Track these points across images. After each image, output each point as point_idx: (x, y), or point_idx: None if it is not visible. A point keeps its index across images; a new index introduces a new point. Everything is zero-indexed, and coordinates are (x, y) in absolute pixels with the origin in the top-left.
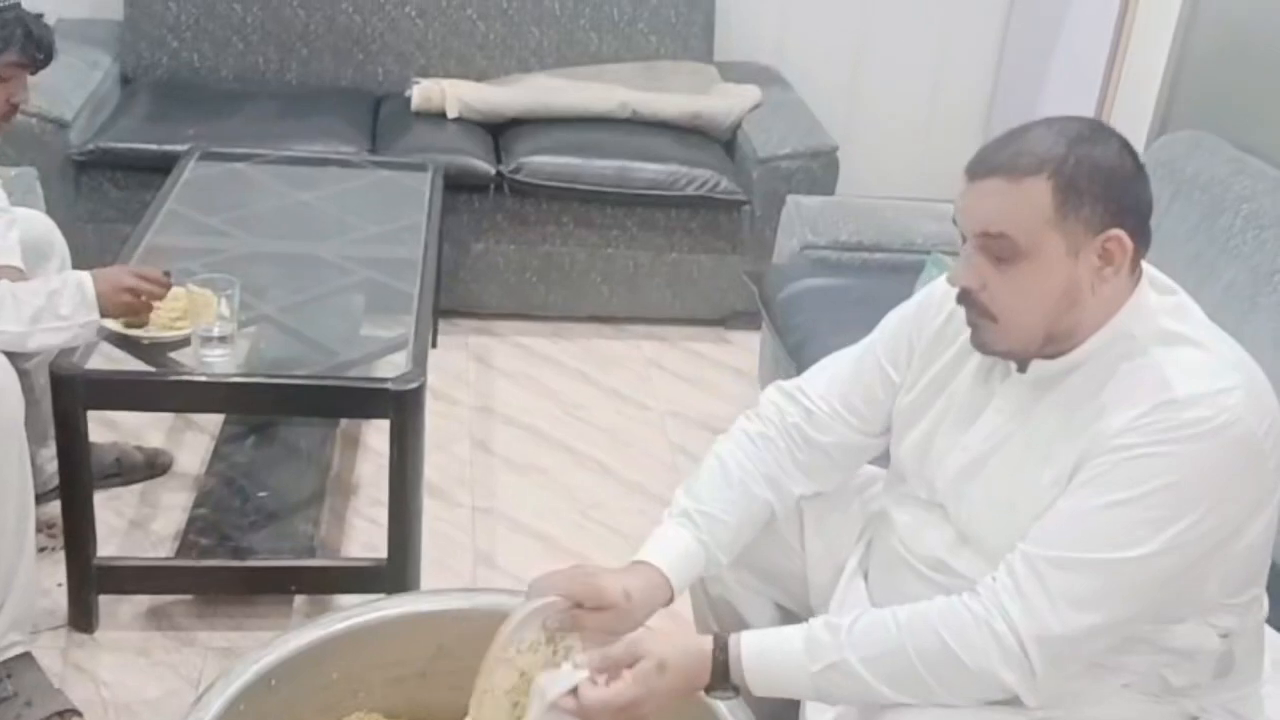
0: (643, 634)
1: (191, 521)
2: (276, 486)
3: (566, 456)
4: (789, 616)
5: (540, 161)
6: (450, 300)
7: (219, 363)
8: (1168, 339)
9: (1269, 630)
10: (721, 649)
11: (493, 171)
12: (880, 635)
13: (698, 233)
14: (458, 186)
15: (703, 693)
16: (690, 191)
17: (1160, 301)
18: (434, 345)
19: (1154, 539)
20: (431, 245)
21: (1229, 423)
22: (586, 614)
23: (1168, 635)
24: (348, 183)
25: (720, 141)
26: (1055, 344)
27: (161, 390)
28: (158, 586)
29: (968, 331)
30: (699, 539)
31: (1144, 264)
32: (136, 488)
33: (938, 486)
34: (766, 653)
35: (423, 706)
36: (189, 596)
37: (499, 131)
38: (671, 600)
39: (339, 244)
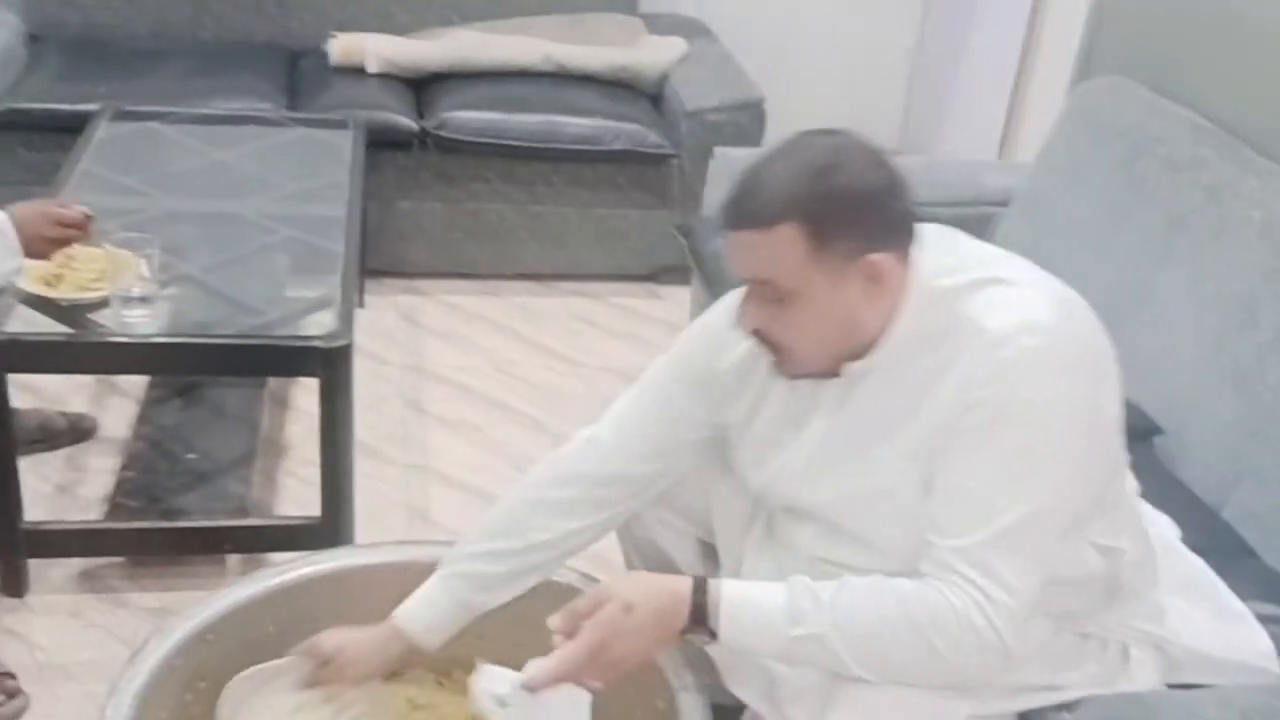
0: (608, 580)
1: (120, 484)
2: (205, 448)
3: (499, 413)
4: (711, 551)
5: (464, 117)
6: (377, 260)
7: (140, 324)
8: (965, 290)
9: (1180, 548)
10: (700, 591)
11: (416, 128)
12: (863, 617)
13: (626, 187)
14: (380, 143)
15: (679, 634)
16: (617, 146)
17: (941, 264)
18: (362, 305)
19: (1050, 473)
20: (355, 202)
21: (1048, 336)
22: (323, 671)
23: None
24: (266, 140)
25: (647, 95)
26: (854, 355)
27: (83, 352)
28: (88, 549)
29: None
30: (449, 591)
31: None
32: (62, 453)
33: (787, 493)
34: (747, 605)
35: None
36: (120, 559)
37: (421, 87)
38: (411, 648)
39: (260, 203)
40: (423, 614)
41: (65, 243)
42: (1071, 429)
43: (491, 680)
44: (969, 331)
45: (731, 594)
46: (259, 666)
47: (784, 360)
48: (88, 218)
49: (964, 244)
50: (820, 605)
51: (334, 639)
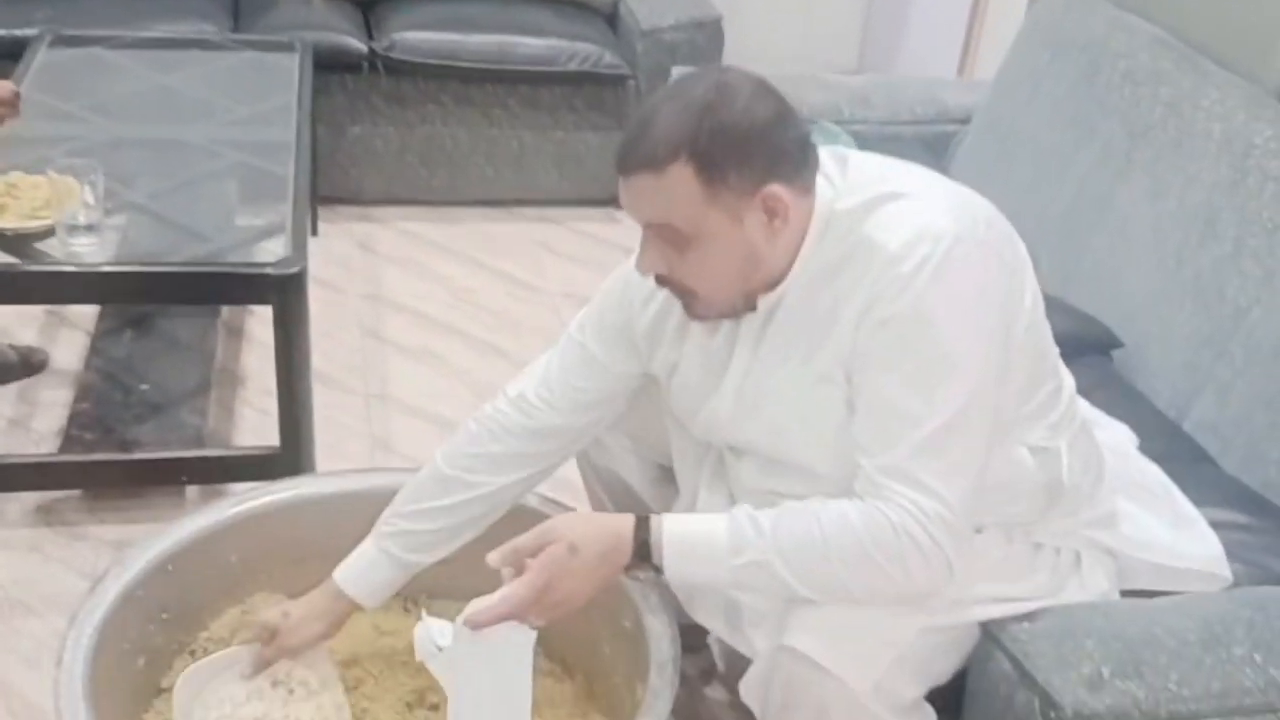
0: (554, 520)
1: (74, 417)
2: (159, 379)
3: (459, 341)
4: (670, 476)
5: (415, 38)
6: (329, 187)
7: (87, 252)
8: (863, 210)
9: (1137, 455)
10: (643, 529)
11: (365, 49)
12: (805, 539)
13: (582, 109)
14: (329, 66)
15: (622, 574)
16: (573, 67)
17: (836, 187)
18: (315, 233)
19: (963, 381)
20: (304, 126)
21: (950, 246)
22: (270, 648)
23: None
24: (211, 64)
25: (602, 14)
26: (762, 289)
27: (30, 282)
28: (44, 482)
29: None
30: (385, 552)
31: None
32: (13, 387)
33: (723, 432)
34: (689, 538)
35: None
36: (77, 492)
37: (369, 7)
38: (355, 607)
39: (206, 128)
40: (363, 576)
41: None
42: (978, 330)
43: (433, 631)
44: (869, 251)
45: (674, 529)
46: (210, 658)
47: (692, 303)
48: (15, 94)
49: (855, 163)
50: (761, 532)
51: (275, 611)
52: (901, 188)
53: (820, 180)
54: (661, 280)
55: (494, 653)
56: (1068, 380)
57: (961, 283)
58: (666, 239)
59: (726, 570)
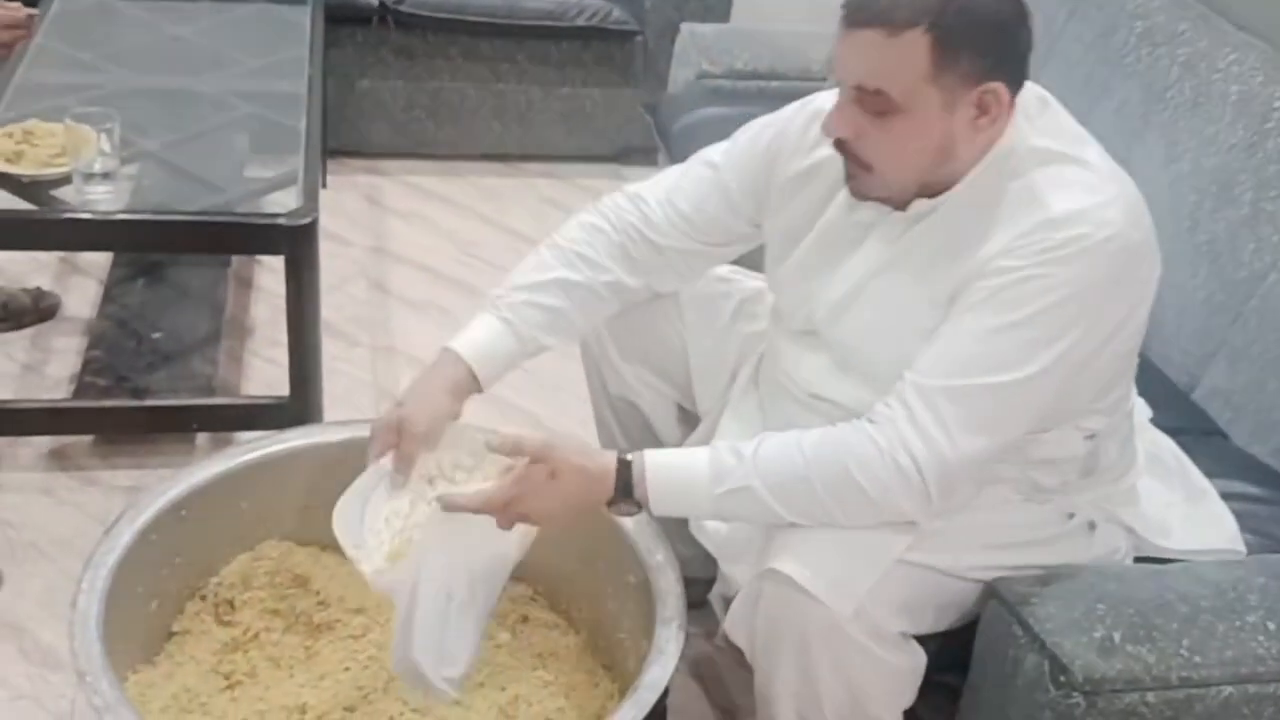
0: (556, 441)
1: (87, 364)
2: (170, 328)
3: (465, 295)
4: (688, 417)
5: None
6: (337, 140)
7: (103, 200)
8: (1042, 158)
9: (1150, 428)
10: (625, 465)
11: (375, 3)
12: (786, 464)
13: (590, 65)
14: (339, 19)
15: (605, 507)
16: (581, 22)
17: (1031, 123)
18: (323, 186)
19: (1039, 358)
20: (316, 79)
21: (1108, 237)
22: (404, 446)
23: (1036, 445)
24: (222, 16)
25: None
26: (931, 189)
27: (47, 229)
28: (57, 427)
29: (834, 170)
30: (502, 319)
31: None
32: (26, 332)
33: (816, 317)
34: (671, 470)
35: (333, 534)
36: (89, 438)
37: None
38: (476, 379)
39: (218, 79)
40: (484, 346)
41: (10, 45)
42: (1087, 325)
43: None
44: (1032, 201)
45: (655, 463)
46: (351, 487)
47: (864, 178)
48: (30, 17)
49: (1054, 110)
50: (742, 459)
51: (388, 411)
52: (1087, 157)
53: (1019, 112)
54: (842, 146)
55: (477, 535)
56: (1131, 382)
57: (1097, 275)
58: (869, 105)
59: (709, 499)
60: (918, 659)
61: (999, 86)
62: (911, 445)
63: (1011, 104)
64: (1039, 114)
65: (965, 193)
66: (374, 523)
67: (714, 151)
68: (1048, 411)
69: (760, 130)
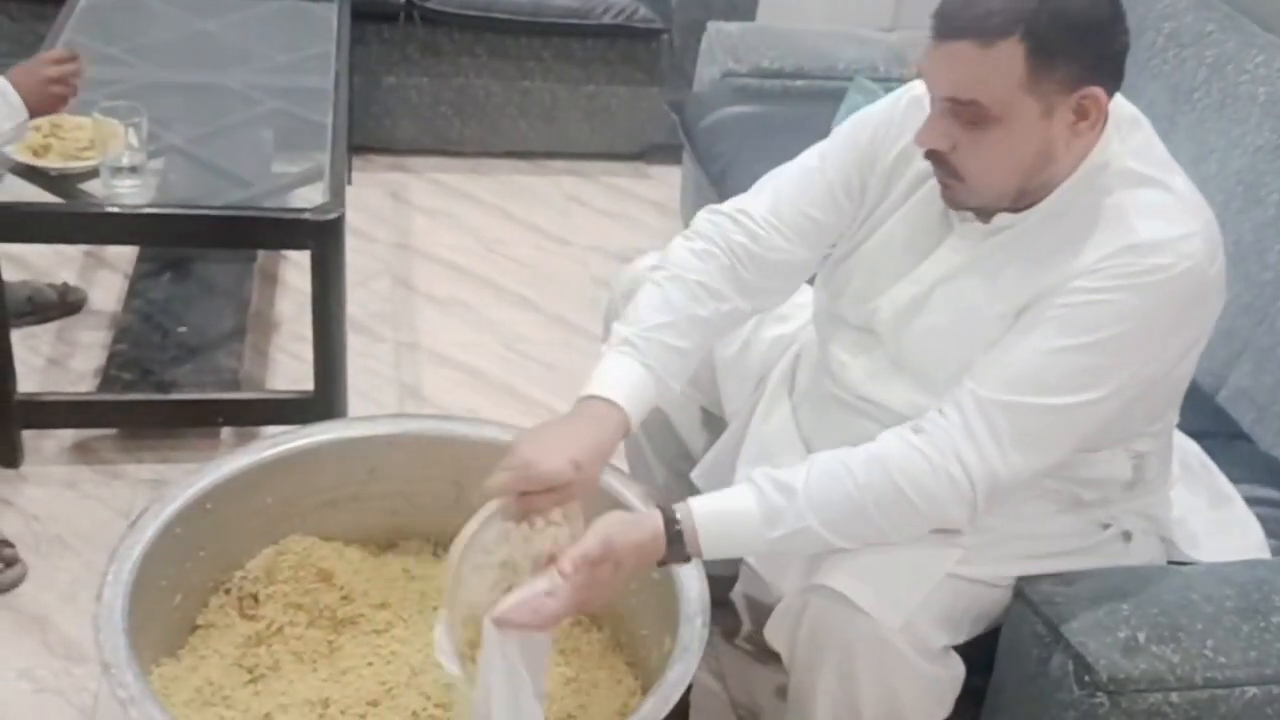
0: (609, 527)
1: (112, 357)
2: (196, 322)
3: (489, 292)
4: (712, 421)
5: None
6: (362, 136)
7: (130, 194)
8: (1132, 180)
9: (1176, 432)
10: (672, 522)
11: (402, 0)
12: (840, 496)
13: (616, 63)
14: (366, 16)
15: (656, 565)
16: (607, 20)
17: (1124, 141)
18: (349, 182)
19: (1104, 385)
20: (343, 75)
21: (1187, 270)
22: (539, 498)
23: (1084, 465)
24: (250, 11)
25: None
26: (1026, 198)
27: (74, 222)
28: (82, 421)
29: (923, 161)
30: (645, 364)
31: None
32: (52, 326)
33: (881, 315)
34: (721, 519)
35: (357, 528)
36: (114, 431)
37: None
38: (629, 432)
39: (244, 74)
40: (632, 393)
41: (67, 84)
42: (1154, 353)
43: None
44: (1118, 225)
45: (703, 513)
46: (475, 517)
47: (957, 189)
48: (72, 55)
49: (1146, 132)
50: (793, 496)
51: (562, 458)
52: (1175, 185)
53: (1111, 127)
54: (935, 157)
55: (516, 649)
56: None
57: (1173, 307)
58: (963, 116)
59: (764, 543)
60: (957, 671)
61: (1098, 90)
62: (964, 455)
63: (1107, 111)
64: (1131, 132)
65: (1051, 207)
66: (474, 556)
67: (813, 155)
68: (1100, 434)
69: (859, 125)
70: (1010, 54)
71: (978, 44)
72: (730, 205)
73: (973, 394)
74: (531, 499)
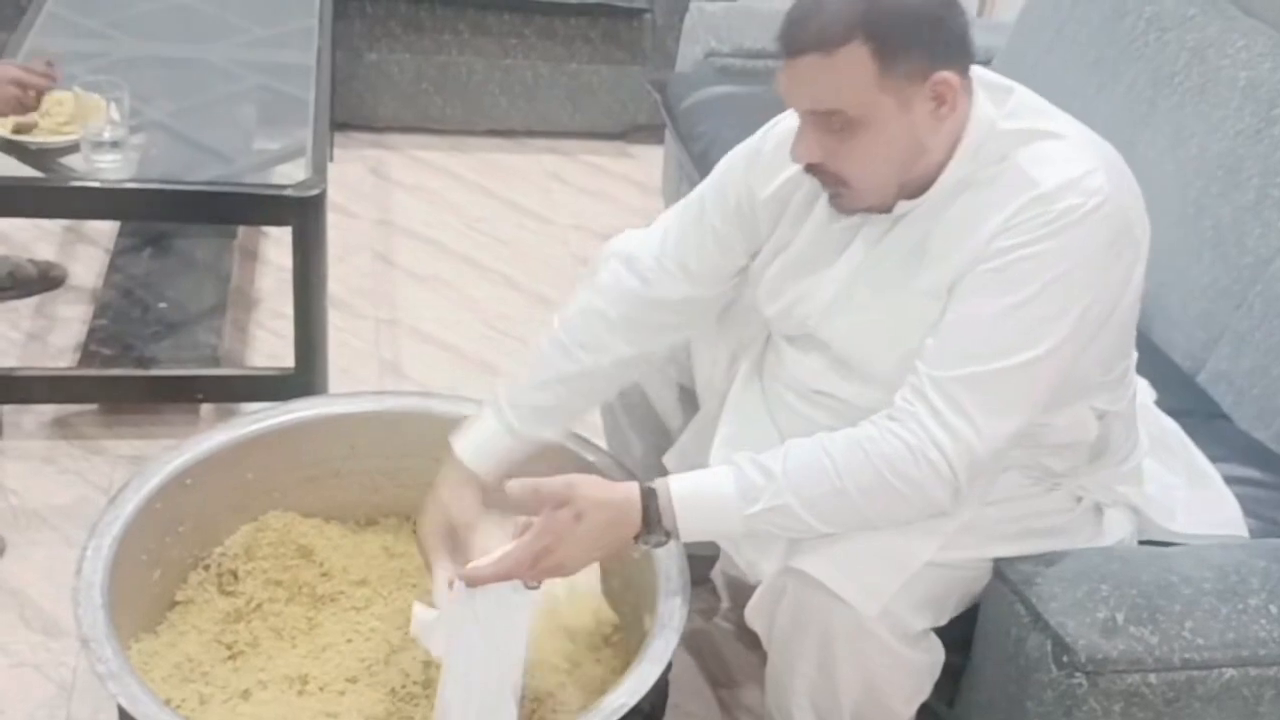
0: (575, 479)
1: (92, 332)
2: (176, 298)
3: (470, 269)
4: (688, 398)
5: None
6: (344, 112)
7: (111, 168)
8: (1018, 139)
9: (1154, 409)
10: (650, 495)
11: None
12: (818, 476)
13: (598, 42)
14: None
15: (632, 540)
16: None
17: (999, 109)
18: (330, 158)
19: (1052, 334)
20: (325, 50)
21: (1099, 204)
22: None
23: (1050, 431)
24: None
25: None
26: (912, 188)
27: (55, 197)
28: (61, 396)
29: (811, 180)
30: (507, 427)
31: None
32: (31, 301)
33: (809, 322)
34: (699, 495)
35: (337, 505)
36: (93, 407)
37: None
38: (486, 484)
39: (226, 49)
40: (483, 450)
41: (28, 93)
42: (1091, 292)
43: (425, 612)
44: (1019, 181)
45: (681, 491)
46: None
47: (842, 194)
48: (49, 64)
49: (1020, 93)
50: (772, 476)
51: (434, 531)
52: (1062, 130)
53: (983, 97)
54: (814, 169)
55: (489, 610)
56: (1133, 351)
57: (1095, 242)
58: (828, 126)
59: (740, 520)
60: (936, 654)
61: (947, 74)
62: (939, 439)
63: (966, 86)
64: (1004, 99)
65: (948, 181)
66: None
67: (695, 197)
68: (1061, 387)
69: (732, 163)
70: (855, 57)
71: (822, 55)
72: (628, 245)
73: (930, 377)
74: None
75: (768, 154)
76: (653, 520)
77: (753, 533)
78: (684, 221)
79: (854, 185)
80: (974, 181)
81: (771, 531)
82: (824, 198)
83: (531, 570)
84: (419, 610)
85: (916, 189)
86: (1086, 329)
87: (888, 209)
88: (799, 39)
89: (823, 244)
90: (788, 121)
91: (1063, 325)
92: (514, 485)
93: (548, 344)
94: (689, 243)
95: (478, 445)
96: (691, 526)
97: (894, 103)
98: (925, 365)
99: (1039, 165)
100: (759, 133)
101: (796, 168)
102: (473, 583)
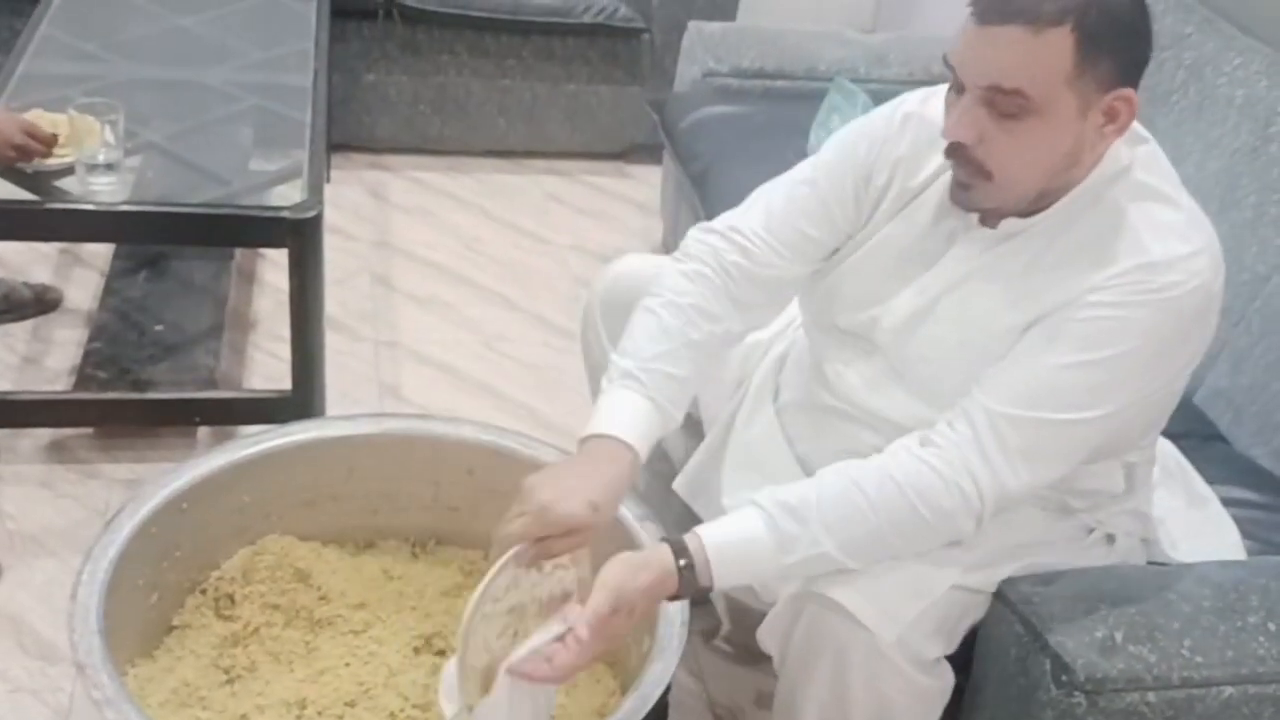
0: (616, 574)
1: (88, 355)
2: (172, 320)
3: (469, 290)
4: (691, 423)
5: None
6: (342, 134)
7: (107, 191)
8: (1143, 193)
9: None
10: (682, 554)
11: None
12: (852, 515)
13: (596, 62)
14: (345, 12)
15: (666, 601)
16: (588, 19)
17: (1133, 152)
18: (327, 180)
19: (1113, 400)
20: (321, 72)
21: (1195, 288)
22: (555, 542)
23: (1080, 477)
24: (228, 7)
25: None
26: (1042, 201)
27: (50, 219)
28: (57, 420)
29: (926, 169)
30: (649, 398)
31: None
32: (27, 324)
33: (882, 325)
34: (735, 549)
35: (335, 528)
36: (89, 430)
37: None
38: (638, 470)
39: (223, 71)
40: (637, 426)
41: (28, 156)
42: (1160, 369)
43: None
44: (1130, 242)
45: (715, 545)
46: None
47: (980, 188)
48: (54, 137)
49: (1153, 144)
50: (805, 522)
51: (581, 501)
52: (1183, 202)
53: (1122, 142)
54: (958, 152)
55: (526, 697)
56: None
57: (1180, 323)
58: (1000, 107)
59: (778, 569)
60: (948, 681)
61: (1130, 93)
62: (976, 470)
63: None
64: (1138, 144)
65: (1059, 215)
66: (484, 605)
67: (805, 168)
68: (1102, 448)
69: (854, 139)
70: (1060, 44)
71: (1029, 30)
72: (721, 222)
73: (984, 408)
74: (548, 543)
75: (891, 137)
76: (688, 580)
77: (785, 578)
78: (793, 195)
79: (996, 179)
80: (1089, 224)
81: (804, 574)
82: (931, 195)
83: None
84: (450, 674)
85: (1037, 207)
86: (1141, 401)
87: (1003, 218)
88: (1009, 5)
89: (916, 246)
90: (911, 104)
91: (1124, 394)
92: (581, 628)
93: (664, 309)
94: (798, 215)
95: (633, 422)
96: (727, 579)
97: (1075, 103)
98: (982, 394)
99: (1153, 230)
100: (882, 111)
101: (912, 153)
102: (535, 680)
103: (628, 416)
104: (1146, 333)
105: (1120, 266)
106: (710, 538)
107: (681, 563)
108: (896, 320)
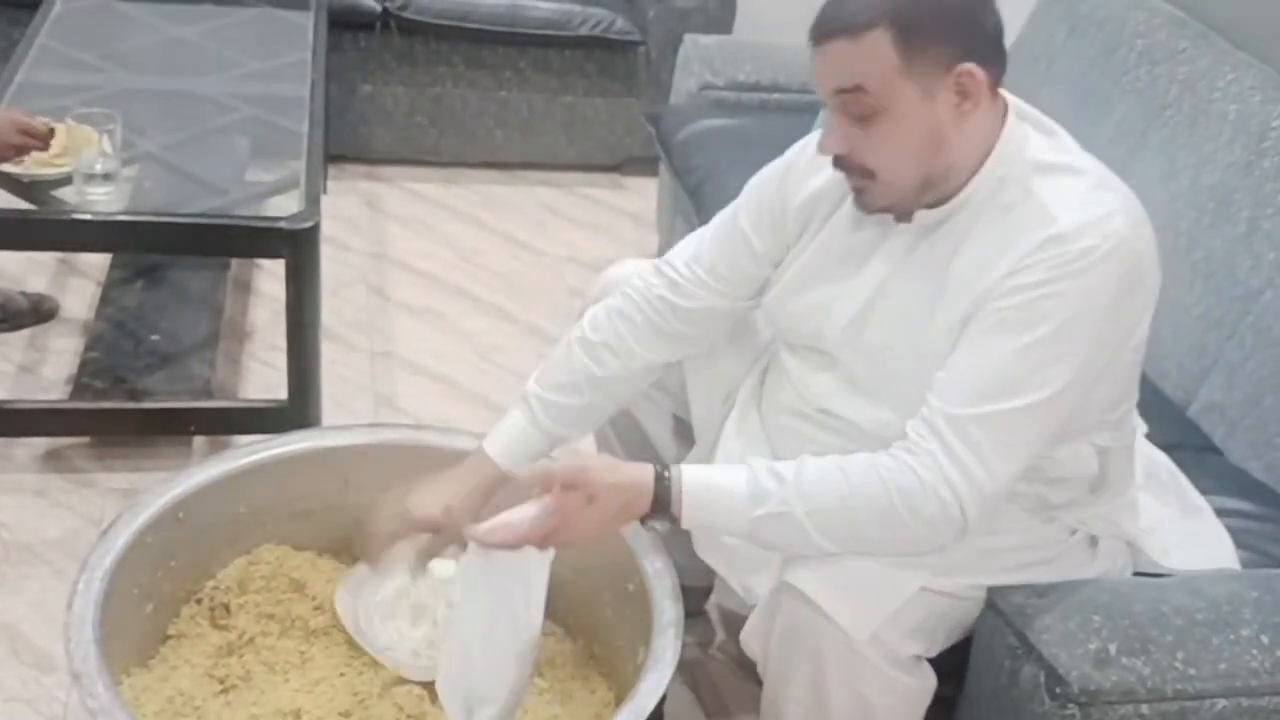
0: (588, 463)
1: (84, 365)
2: (168, 330)
3: (464, 301)
4: (683, 429)
5: None
6: (338, 145)
7: (104, 201)
8: (1044, 169)
9: (1145, 443)
10: (662, 480)
11: (378, 8)
12: (830, 491)
13: (593, 75)
14: (342, 24)
15: (638, 521)
16: (584, 31)
17: (1037, 138)
18: (324, 190)
19: (1063, 375)
20: (318, 83)
21: (1115, 247)
22: (436, 541)
23: (1052, 464)
24: (225, 18)
25: None
26: (935, 189)
27: (47, 229)
28: (53, 429)
29: (840, 188)
30: (533, 420)
31: (1016, 100)
32: (24, 333)
33: (827, 336)
34: (709, 488)
35: (330, 538)
36: (85, 439)
37: None
38: (503, 481)
39: (220, 81)
40: (512, 447)
41: (24, 150)
42: (1102, 334)
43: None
44: (1039, 217)
45: (693, 480)
46: (353, 575)
47: (869, 188)
48: (51, 130)
49: (1064, 135)
50: (784, 483)
51: (431, 507)
52: (1086, 167)
53: (1017, 123)
54: (841, 162)
55: (506, 569)
56: (1136, 392)
57: (1110, 285)
58: (853, 112)
59: (746, 521)
60: (928, 681)
61: (972, 67)
62: (952, 479)
63: (993, 87)
64: (1047, 135)
65: (969, 204)
66: (374, 623)
67: (729, 209)
68: (1066, 424)
69: (769, 174)
70: (879, 42)
71: (848, 39)
72: (663, 257)
73: (944, 414)
74: (422, 545)
75: (801, 165)
76: (662, 505)
77: (756, 536)
78: (718, 231)
79: (879, 176)
80: (998, 205)
81: (771, 541)
82: (849, 202)
83: (542, 543)
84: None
85: (939, 197)
86: (1094, 370)
87: (910, 212)
88: (828, 25)
89: (844, 253)
90: (820, 136)
91: (1072, 365)
92: (525, 473)
93: (577, 345)
94: (721, 250)
95: (507, 440)
96: (696, 516)
97: (917, 91)
98: (938, 400)
99: (1060, 202)
100: (793, 148)
101: (826, 177)
102: (483, 543)
103: (504, 436)
104: (1075, 301)
105: (1030, 243)
106: (691, 473)
107: (657, 483)
108: (837, 328)
